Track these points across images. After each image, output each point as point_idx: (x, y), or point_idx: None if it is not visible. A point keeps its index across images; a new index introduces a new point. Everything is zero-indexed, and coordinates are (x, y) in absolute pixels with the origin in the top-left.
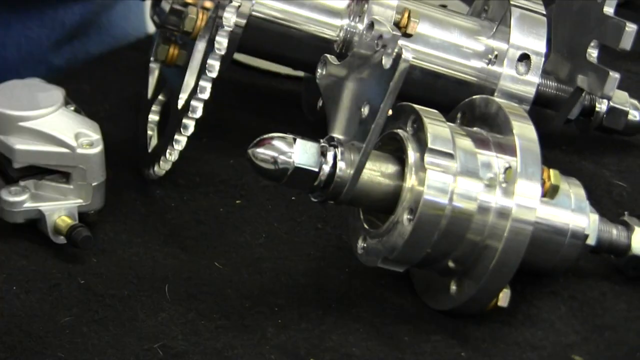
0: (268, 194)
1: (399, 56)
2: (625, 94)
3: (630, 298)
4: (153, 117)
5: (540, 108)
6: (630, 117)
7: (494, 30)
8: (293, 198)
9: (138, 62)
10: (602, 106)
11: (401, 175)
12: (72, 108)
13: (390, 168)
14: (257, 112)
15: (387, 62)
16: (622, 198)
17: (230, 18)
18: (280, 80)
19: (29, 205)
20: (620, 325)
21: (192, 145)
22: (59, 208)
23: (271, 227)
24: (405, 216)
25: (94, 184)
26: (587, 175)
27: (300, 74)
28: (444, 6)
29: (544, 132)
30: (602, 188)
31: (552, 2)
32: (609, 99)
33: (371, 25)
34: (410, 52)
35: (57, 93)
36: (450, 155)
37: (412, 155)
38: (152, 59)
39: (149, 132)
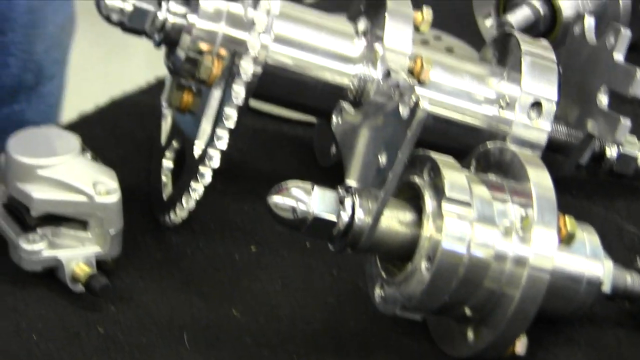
0: (283, 240)
1: (416, 105)
2: (636, 139)
3: None
4: (167, 164)
5: (550, 153)
6: None
7: (505, 76)
8: (308, 245)
9: (149, 106)
10: (612, 152)
11: (418, 223)
12: (89, 156)
13: (408, 216)
14: (269, 158)
15: (404, 111)
16: (633, 243)
17: (247, 68)
18: (291, 125)
19: (46, 253)
20: None
21: (206, 191)
22: (77, 256)
23: (287, 274)
24: (424, 264)
25: (111, 232)
26: (598, 220)
27: (312, 119)
28: (450, 49)
29: (554, 177)
30: (613, 233)
31: (559, 46)
32: (619, 145)
33: (387, 74)
34: (427, 101)
35: (73, 140)
36: (467, 204)
37: (429, 203)
38: (164, 104)
39: (163, 179)
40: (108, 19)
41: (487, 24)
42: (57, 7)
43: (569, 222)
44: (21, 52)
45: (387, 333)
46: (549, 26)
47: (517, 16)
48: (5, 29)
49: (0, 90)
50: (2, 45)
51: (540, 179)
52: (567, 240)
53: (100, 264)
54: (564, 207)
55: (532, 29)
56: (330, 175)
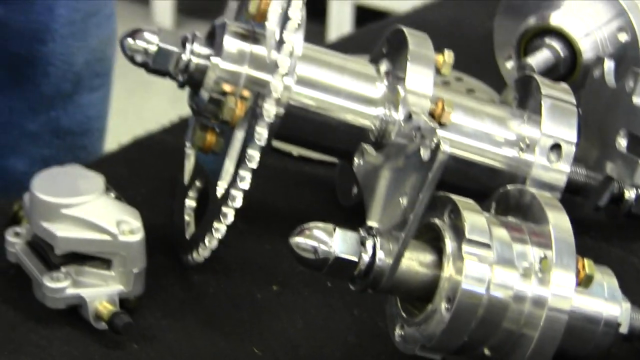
0: (304, 280)
1: (437, 148)
2: None
3: None
4: (190, 203)
5: (569, 194)
6: None
7: (526, 119)
8: (329, 284)
9: (172, 146)
10: (631, 194)
11: (439, 264)
12: (113, 195)
13: (428, 257)
14: (290, 197)
15: (425, 154)
16: None
17: (270, 110)
18: (312, 165)
19: (70, 291)
20: None
21: (228, 230)
22: (100, 294)
23: (308, 313)
24: (443, 305)
25: (134, 271)
26: (616, 261)
27: (332, 159)
28: (471, 90)
29: (573, 218)
30: (631, 275)
31: (579, 88)
32: (638, 187)
33: (409, 116)
34: (448, 144)
35: (97, 180)
36: (487, 246)
37: (449, 245)
38: (188, 144)
39: (186, 218)
40: (132, 59)
41: (508, 66)
42: (101, 21)
43: (588, 264)
44: (61, 62)
45: None
46: (569, 69)
47: (538, 59)
48: (46, 39)
49: (39, 97)
50: (43, 55)
51: (559, 222)
52: (585, 282)
53: (123, 303)
54: (582, 248)
55: (553, 72)
56: (351, 215)
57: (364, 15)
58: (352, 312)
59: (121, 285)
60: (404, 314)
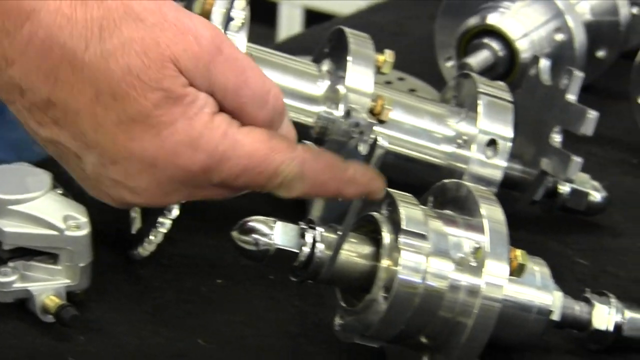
0: (248, 273)
1: (375, 143)
2: (587, 176)
3: None
4: None
5: (506, 190)
6: (591, 198)
7: (463, 115)
8: (272, 277)
9: None
10: (564, 188)
11: (377, 255)
12: (60, 192)
13: (366, 249)
14: None
15: (363, 149)
16: (584, 275)
17: None
18: None
19: (18, 285)
20: None
21: (174, 226)
22: (48, 288)
23: (251, 306)
24: (381, 295)
25: (81, 265)
26: (551, 253)
27: None
28: (413, 90)
29: (509, 212)
30: (565, 266)
31: (518, 87)
32: (571, 181)
33: (348, 113)
34: (385, 139)
35: (45, 177)
36: (423, 237)
37: (386, 236)
38: None
39: (132, 214)
40: None
41: (449, 66)
42: None
43: (520, 254)
44: None
45: None
46: (507, 68)
47: (477, 58)
48: None
49: None
50: None
51: (492, 213)
52: (517, 271)
53: (70, 296)
54: (518, 241)
55: (492, 71)
56: (294, 211)
57: (313, 19)
58: (294, 304)
59: (68, 279)
60: (343, 304)
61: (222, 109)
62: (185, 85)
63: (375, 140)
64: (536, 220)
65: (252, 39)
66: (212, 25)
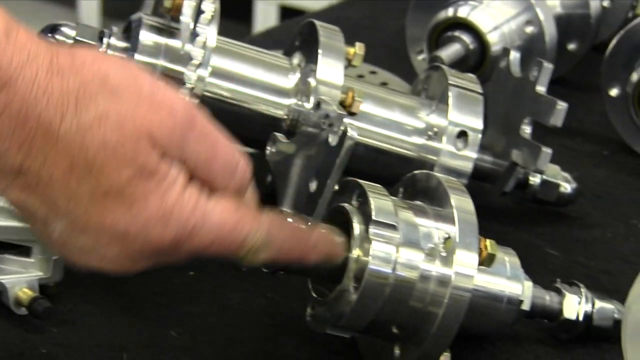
0: (220, 265)
1: (344, 134)
2: (557, 167)
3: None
4: None
5: (477, 181)
6: (561, 189)
7: (434, 108)
8: (244, 269)
9: None
10: (535, 179)
11: (347, 246)
12: None
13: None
14: None
15: (333, 140)
16: (555, 266)
17: None
18: None
19: None
20: None
21: None
22: (21, 281)
23: (224, 297)
24: (352, 285)
25: (54, 258)
26: (521, 244)
27: (248, 149)
28: (385, 84)
29: (480, 204)
30: (536, 257)
31: (489, 79)
32: (541, 172)
33: (318, 105)
34: (355, 130)
35: None
36: (393, 227)
37: (357, 227)
38: None
39: None
40: None
41: (420, 59)
42: None
43: (490, 244)
44: None
45: (319, 351)
46: (478, 61)
47: (448, 51)
48: None
49: None
50: None
51: (462, 204)
52: (487, 261)
53: (43, 289)
54: (490, 232)
55: (463, 64)
56: (265, 203)
57: (289, 15)
58: (266, 296)
59: (41, 271)
60: (314, 295)
61: (193, 176)
62: (159, 159)
63: (345, 131)
64: (507, 211)
65: (227, 35)
66: (184, 99)
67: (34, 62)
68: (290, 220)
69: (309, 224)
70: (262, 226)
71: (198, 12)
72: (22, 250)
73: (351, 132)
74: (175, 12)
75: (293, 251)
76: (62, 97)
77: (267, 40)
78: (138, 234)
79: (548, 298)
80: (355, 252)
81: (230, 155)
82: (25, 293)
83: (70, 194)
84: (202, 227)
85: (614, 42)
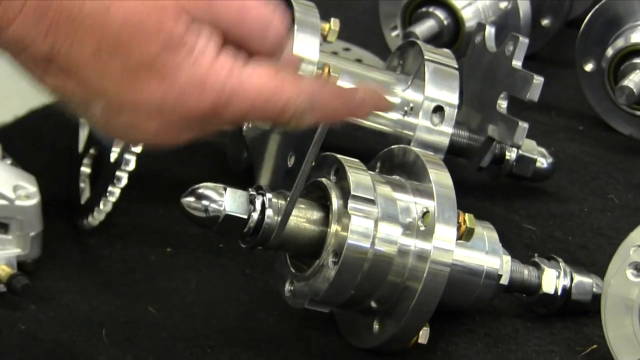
0: (197, 242)
1: None
2: (533, 142)
3: (541, 334)
4: (85, 170)
5: (454, 157)
6: (538, 164)
7: (409, 83)
8: (221, 245)
9: (68, 116)
10: (511, 154)
11: (326, 221)
12: (9, 162)
13: (316, 215)
14: (183, 164)
15: None
16: (531, 241)
17: None
18: None
19: None
20: (533, 359)
21: (123, 196)
22: None
23: (201, 274)
24: (330, 260)
25: (31, 234)
26: (498, 219)
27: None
28: (359, 60)
29: (457, 179)
30: (513, 232)
31: (463, 56)
32: (518, 147)
33: None
34: None
35: None
36: (371, 202)
37: (335, 202)
38: None
39: (81, 185)
40: None
41: (394, 36)
42: None
43: (469, 218)
44: None
45: (296, 327)
46: (453, 37)
47: (422, 28)
48: None
49: None
50: None
51: (440, 179)
52: (466, 235)
53: (21, 265)
54: (466, 208)
55: (437, 40)
56: (241, 180)
57: None
58: (244, 272)
59: (19, 248)
60: (293, 270)
61: (226, 40)
62: (187, 26)
63: None
64: (483, 186)
65: None
66: None
67: None
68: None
69: (287, 199)
70: (304, 89)
71: None
72: None
73: None
74: None
75: (339, 111)
76: None
77: None
78: (174, 105)
79: (526, 272)
80: (334, 227)
81: (262, 13)
82: (3, 270)
83: (102, 73)
84: (239, 92)
85: (588, 17)
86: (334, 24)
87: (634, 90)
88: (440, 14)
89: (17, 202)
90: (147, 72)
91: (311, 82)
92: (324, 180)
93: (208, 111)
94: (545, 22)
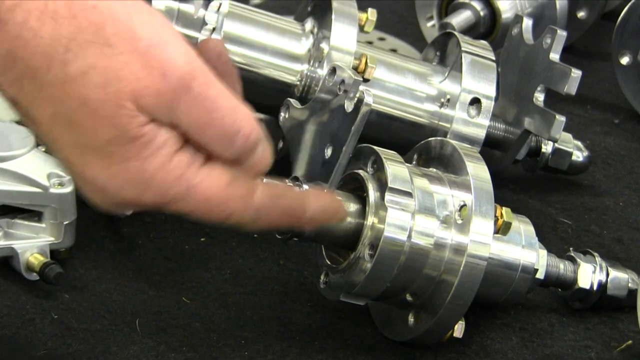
0: (232, 231)
1: (360, 100)
2: (570, 135)
3: (577, 329)
4: None
5: (490, 149)
6: (574, 157)
7: (447, 75)
8: (255, 236)
9: None
10: (547, 147)
11: (362, 213)
12: (43, 149)
13: (352, 207)
14: None
15: (349, 106)
16: (567, 234)
17: None
18: None
19: (2, 243)
20: (568, 354)
21: None
22: (32, 246)
23: (235, 264)
24: (367, 252)
25: (65, 223)
26: (533, 212)
27: (260, 115)
28: (394, 50)
29: (492, 171)
30: (548, 225)
31: (499, 47)
32: (555, 141)
33: (333, 71)
34: (371, 96)
35: (28, 135)
36: (409, 194)
37: (372, 194)
38: None
39: None
40: None
41: (430, 26)
42: None
43: (506, 212)
44: None
45: (331, 319)
46: (489, 28)
47: (458, 18)
48: None
49: None
50: None
51: (478, 172)
52: (503, 229)
53: (54, 254)
54: (502, 200)
55: (473, 31)
56: (278, 169)
57: None
58: (279, 262)
59: (52, 237)
60: (328, 262)
61: (188, 140)
62: (143, 124)
63: (361, 97)
64: (519, 179)
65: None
66: (189, 57)
67: (26, 5)
68: (289, 188)
69: (325, 190)
70: (251, 206)
71: None
72: (33, 215)
73: (367, 98)
74: None
75: (284, 224)
76: (52, 43)
77: (273, 5)
78: (116, 193)
79: (562, 267)
80: (371, 220)
81: (230, 122)
82: (36, 258)
83: (54, 139)
84: (184, 197)
85: (625, 10)
86: (372, 14)
87: None
88: (476, 4)
89: (52, 190)
90: (94, 155)
91: (262, 197)
92: (360, 172)
93: (149, 205)
94: (581, 14)
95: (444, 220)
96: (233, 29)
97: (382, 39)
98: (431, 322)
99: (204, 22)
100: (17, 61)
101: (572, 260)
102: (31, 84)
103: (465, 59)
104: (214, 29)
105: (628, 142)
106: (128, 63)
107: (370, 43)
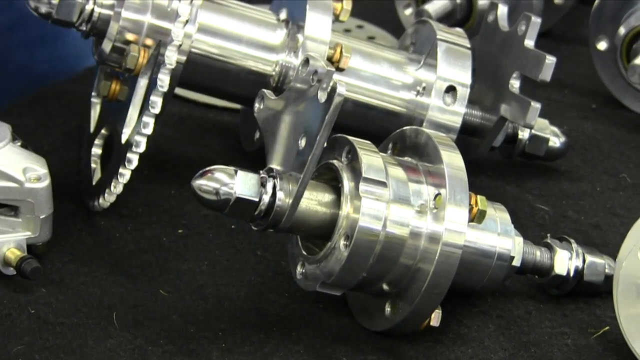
0: (209, 223)
1: (333, 90)
2: (546, 121)
3: (554, 315)
4: (96, 151)
5: (466, 136)
6: (550, 143)
7: (422, 63)
8: (233, 227)
9: (79, 95)
10: (524, 134)
11: (337, 203)
12: (19, 144)
13: (327, 197)
14: (195, 143)
15: (322, 96)
16: (544, 221)
17: (171, 56)
18: (216, 112)
19: None
20: (545, 341)
21: (134, 176)
22: (8, 241)
23: (213, 255)
24: (342, 242)
25: (41, 217)
26: (511, 199)
27: (237, 106)
28: (372, 38)
29: (469, 159)
30: (525, 212)
31: (476, 34)
32: (530, 127)
33: (306, 61)
34: (344, 86)
35: (3, 129)
36: (383, 184)
37: (347, 184)
38: (94, 93)
39: (93, 165)
40: (36, 10)
41: (407, 14)
42: None
43: (480, 200)
44: None
45: (308, 309)
46: (465, 15)
47: (435, 5)
48: None
49: None
50: None
51: (452, 160)
52: (478, 217)
53: (31, 248)
54: (479, 187)
55: (450, 18)
56: (254, 160)
57: None
58: (256, 253)
59: (29, 231)
60: (304, 253)
61: None
62: None
63: (334, 88)
64: (495, 166)
65: None
66: None
67: None
68: None
69: (299, 181)
70: None
71: None
72: (9, 209)
73: (340, 89)
74: None
75: None
76: None
77: None
78: None
79: (539, 254)
80: (346, 209)
81: None
82: (13, 253)
83: None
84: None
85: None
86: (347, 3)
87: None
88: None
89: (27, 185)
90: None
91: None
92: (335, 162)
93: None
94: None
95: (419, 209)
96: (207, 20)
97: (360, 26)
98: (408, 311)
99: (177, 14)
100: None
101: (549, 247)
102: None
103: (440, 47)
104: (187, 20)
105: (605, 126)
106: None
107: (348, 31)
